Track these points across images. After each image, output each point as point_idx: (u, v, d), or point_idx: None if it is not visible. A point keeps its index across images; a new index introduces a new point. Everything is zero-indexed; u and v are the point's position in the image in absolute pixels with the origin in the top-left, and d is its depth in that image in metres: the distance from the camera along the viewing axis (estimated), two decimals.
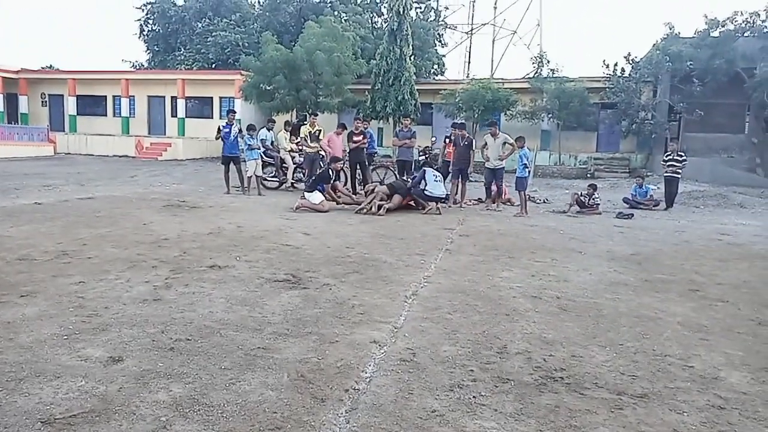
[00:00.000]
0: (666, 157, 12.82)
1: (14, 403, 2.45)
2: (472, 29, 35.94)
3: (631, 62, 21.40)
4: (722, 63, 19.19)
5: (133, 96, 27.29)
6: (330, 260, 5.61)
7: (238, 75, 24.32)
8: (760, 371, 3.16)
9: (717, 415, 2.61)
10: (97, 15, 73.63)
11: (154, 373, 2.81)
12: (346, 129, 12.23)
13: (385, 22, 27.11)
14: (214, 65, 28.81)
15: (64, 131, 26.72)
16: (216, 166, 15.90)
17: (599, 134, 23.79)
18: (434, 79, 29.35)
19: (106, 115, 28.26)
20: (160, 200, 9.98)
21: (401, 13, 21.14)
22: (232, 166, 11.85)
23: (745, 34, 19.87)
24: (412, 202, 10.08)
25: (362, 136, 11.85)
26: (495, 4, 37.45)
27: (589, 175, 20.18)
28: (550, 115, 22.09)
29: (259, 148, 12.04)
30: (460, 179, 11.31)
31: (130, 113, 27.29)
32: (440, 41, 32.61)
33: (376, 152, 14.68)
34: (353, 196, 10.76)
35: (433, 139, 20.10)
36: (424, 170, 10.14)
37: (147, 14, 32.59)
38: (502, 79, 24.63)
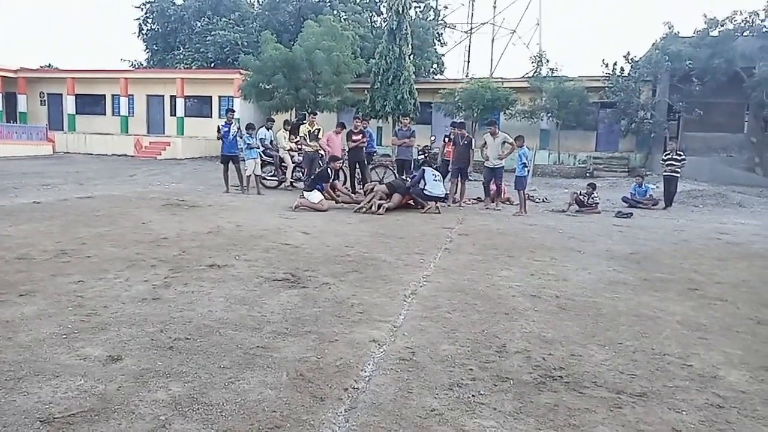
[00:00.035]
0: (665, 156, 12.83)
1: (13, 402, 2.45)
2: (471, 28, 35.96)
3: (630, 61, 21.41)
4: (721, 62, 19.21)
5: (132, 95, 27.27)
6: (329, 259, 5.61)
7: (237, 74, 24.31)
8: (759, 370, 3.17)
9: (716, 414, 2.62)
10: (96, 14, 73.62)
11: (153, 372, 2.81)
12: (346, 128, 12.23)
13: (384, 21, 27.10)
14: (213, 64, 28.79)
15: (62, 130, 26.69)
16: (215, 165, 15.90)
17: (598, 133, 23.80)
18: (433, 78, 29.35)
19: (105, 114, 28.24)
20: (159, 199, 9.97)
21: (400, 12, 21.13)
22: (231, 165, 11.84)
23: (744, 34, 19.88)
24: (411, 201, 10.08)
25: (361, 135, 11.85)
26: (494, 3, 37.53)
27: (588, 175, 20.19)
28: (549, 115, 22.10)
29: (258, 147, 12.04)
30: (459, 178, 11.31)
31: (129, 112, 27.26)
32: (439, 40, 32.62)
33: (375, 151, 14.68)
34: (352, 195, 10.76)
35: (433, 138, 20.10)
36: (423, 169, 10.14)
37: (146, 13, 32.56)
38: (501, 78, 24.63)
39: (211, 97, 26.65)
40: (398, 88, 21.19)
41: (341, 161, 11.55)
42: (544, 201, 12.89)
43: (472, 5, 36.59)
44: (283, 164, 13.24)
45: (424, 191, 9.81)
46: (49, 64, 34.69)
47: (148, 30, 32.97)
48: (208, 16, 30.44)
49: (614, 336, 3.66)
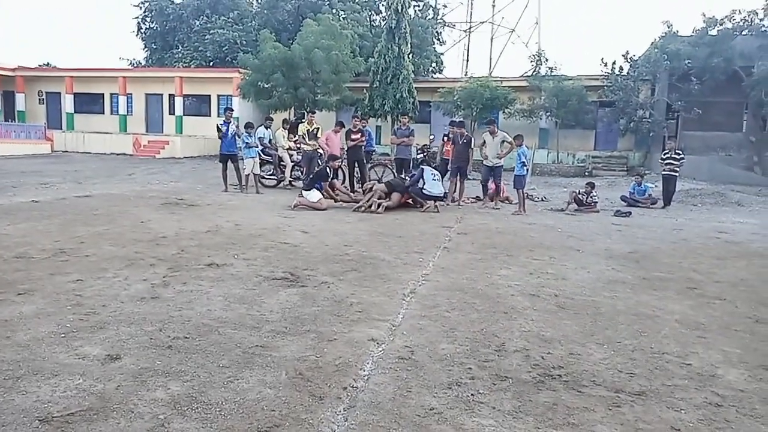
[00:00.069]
0: (664, 155, 12.84)
1: (12, 402, 2.45)
2: (470, 27, 35.95)
3: (629, 60, 21.41)
4: (720, 61, 19.21)
5: (131, 94, 27.22)
6: (328, 258, 5.61)
7: (236, 73, 24.27)
8: (758, 369, 3.17)
9: (714, 413, 2.62)
10: (94, 13, 73.50)
11: (152, 372, 2.81)
12: (344, 127, 12.22)
13: (383, 20, 27.07)
14: (211, 63, 28.76)
15: (61, 129, 26.63)
16: (214, 164, 15.89)
17: (597, 132, 23.81)
18: (432, 77, 29.33)
19: (103, 113, 28.18)
20: (158, 198, 9.96)
21: (399, 11, 21.10)
22: (230, 164, 11.83)
23: (743, 33, 19.89)
24: (410, 200, 10.08)
25: (360, 134, 11.84)
26: (493, 2, 37.53)
27: (587, 174, 20.19)
28: (548, 114, 22.10)
29: (257, 146, 12.02)
30: (458, 177, 11.31)
31: (127, 111, 27.21)
32: (438, 39, 32.58)
33: (374, 150, 14.67)
34: (351, 194, 10.76)
35: (432, 137, 20.09)
36: (422, 169, 10.14)
37: (144, 12, 32.49)
38: (500, 77, 24.62)
39: (209, 96, 26.61)
40: (397, 87, 21.17)
41: (340, 160, 11.55)
42: (543, 200, 12.89)
43: (471, 4, 36.68)
44: (281, 163, 13.23)
45: (423, 190, 9.81)
46: (48, 63, 34.63)
47: (146, 29, 32.90)
48: (207, 14, 30.39)
49: (613, 335, 3.66)
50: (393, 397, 2.66)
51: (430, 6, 32.07)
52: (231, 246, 5.99)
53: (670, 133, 20.13)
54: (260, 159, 12.28)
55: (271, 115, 15.75)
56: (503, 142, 10.82)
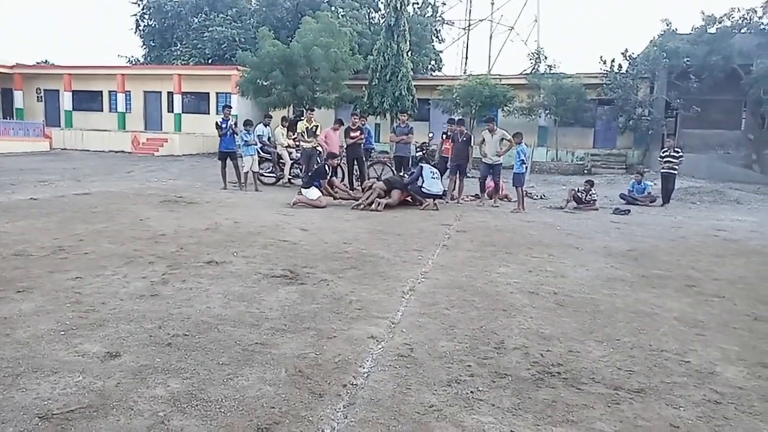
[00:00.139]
0: (663, 153, 12.85)
1: (11, 399, 2.45)
2: (469, 25, 35.90)
3: (628, 58, 21.40)
4: (719, 59, 19.22)
5: (129, 91, 27.17)
6: (327, 256, 5.61)
7: (234, 70, 24.22)
8: (756, 366, 3.18)
9: (713, 410, 2.63)
10: (93, 10, 73.29)
11: (152, 369, 2.81)
12: (343, 125, 12.21)
13: (382, 18, 27.01)
14: (210, 61, 28.70)
15: (59, 127, 26.59)
16: (213, 162, 15.88)
17: (596, 130, 23.81)
18: (431, 74, 29.30)
19: (102, 111, 28.12)
20: (157, 196, 9.95)
21: (398, 8, 21.07)
22: (229, 161, 11.83)
23: (742, 31, 19.88)
24: (409, 198, 10.08)
25: (359, 131, 11.83)
26: None
27: (586, 171, 20.20)
28: (547, 111, 22.10)
29: (256, 144, 12.01)
30: (458, 175, 11.31)
31: (126, 109, 27.17)
32: (437, 37, 32.54)
33: (373, 148, 14.66)
34: (350, 191, 10.75)
35: (431, 134, 20.08)
36: (421, 167, 10.14)
37: (143, 9, 32.41)
38: (499, 75, 24.61)
39: (208, 93, 26.56)
40: (396, 85, 21.14)
41: (339, 158, 11.54)
42: (542, 198, 12.90)
43: (470, 2, 36.67)
44: (281, 161, 13.22)
45: (422, 188, 9.81)
46: (46, 60, 34.57)
47: (145, 26, 32.83)
48: (206, 12, 30.32)
49: (612, 332, 3.67)
50: (392, 394, 2.66)
51: (429, 3, 32.01)
52: (230, 243, 5.99)
53: (669, 131, 20.14)
54: (259, 157, 12.27)
55: (270, 113, 15.71)
56: (502, 139, 10.81)
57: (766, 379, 3.01)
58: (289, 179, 13.10)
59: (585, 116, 22.24)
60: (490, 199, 11.35)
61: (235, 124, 11.97)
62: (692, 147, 19.08)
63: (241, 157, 11.85)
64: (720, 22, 20.04)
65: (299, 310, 3.84)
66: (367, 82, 21.94)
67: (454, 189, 11.34)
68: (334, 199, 10.08)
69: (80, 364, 2.84)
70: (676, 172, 12.55)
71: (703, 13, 20.33)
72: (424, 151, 16.25)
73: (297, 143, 12.80)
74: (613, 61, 21.43)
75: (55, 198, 9.24)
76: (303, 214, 8.49)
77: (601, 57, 21.66)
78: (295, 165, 13.15)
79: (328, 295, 4.23)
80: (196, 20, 30.40)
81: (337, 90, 21.65)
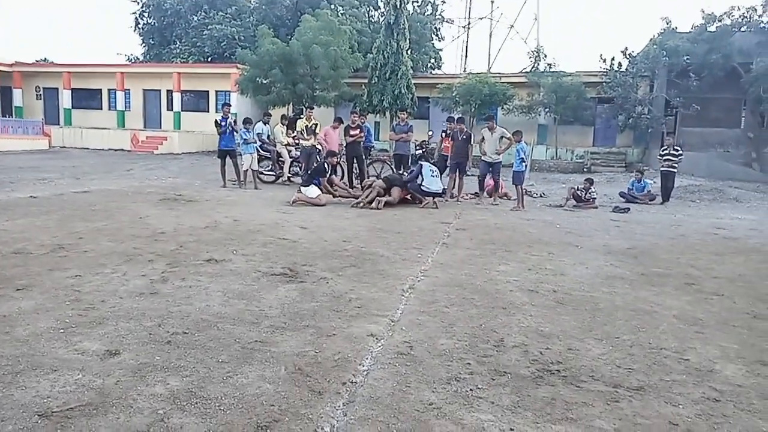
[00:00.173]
0: (662, 151, 12.85)
1: (11, 397, 2.45)
2: (469, 23, 35.82)
3: (628, 57, 21.38)
4: (719, 58, 19.21)
5: (129, 89, 27.15)
6: (327, 254, 5.61)
7: (234, 68, 24.20)
8: (755, 364, 3.19)
9: (712, 408, 2.63)
10: (92, 8, 73.15)
11: (151, 367, 2.81)
12: (343, 123, 12.20)
13: (381, 16, 27.03)
14: (209, 59, 28.67)
15: (59, 125, 26.56)
16: (212, 160, 15.87)
17: (596, 129, 23.80)
18: (431, 73, 29.28)
19: (101, 109, 28.10)
20: (157, 194, 9.95)
21: (398, 6, 21.04)
22: (228, 159, 11.82)
23: (742, 29, 19.87)
24: (408, 197, 10.08)
25: (359, 130, 11.81)
26: None
27: (585, 170, 20.21)
28: (547, 110, 22.09)
29: (255, 142, 12.00)
30: (457, 173, 11.31)
31: (125, 107, 27.14)
32: (437, 35, 32.49)
33: (372, 146, 14.64)
34: (350, 190, 10.75)
35: (430, 133, 20.07)
36: (421, 165, 10.13)
37: (142, 7, 32.37)
38: (499, 73, 24.57)
39: (207, 91, 26.54)
40: (396, 83, 21.13)
41: (338, 156, 11.53)
42: (541, 196, 12.90)
43: (470, 0, 36.50)
44: (280, 159, 13.21)
45: (422, 187, 9.80)
46: (45, 59, 34.50)
47: (144, 24, 32.79)
48: (205, 10, 30.28)
49: (611, 330, 3.67)
50: (392, 392, 2.66)
51: (429, 2, 31.96)
52: (230, 242, 5.98)
53: (669, 130, 20.13)
54: (259, 155, 12.26)
55: (269, 111, 15.71)
56: (502, 138, 10.81)
57: (765, 377, 3.01)
58: (288, 177, 13.10)
59: (585, 114, 22.23)
60: (490, 197, 11.35)
61: (235, 122, 11.96)
62: (692, 145, 19.08)
63: (241, 155, 11.85)
64: (720, 21, 20.04)
65: (299, 308, 3.84)
66: (366, 81, 21.92)
67: (453, 187, 11.34)
68: (334, 197, 10.08)
69: (80, 362, 2.84)
70: (675, 170, 12.55)
71: (703, 12, 20.36)
72: (423, 150, 16.24)
73: (296, 141, 12.79)
74: (612, 59, 21.42)
75: (55, 196, 9.23)
76: (302, 212, 8.49)
77: (600, 55, 21.74)
78: (295, 163, 13.14)
79: (328, 293, 4.23)
80: (195, 18, 30.36)
81: (337, 88, 21.63)
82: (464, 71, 29.72)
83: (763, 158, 19.27)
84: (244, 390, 2.60)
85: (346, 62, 21.13)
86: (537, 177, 17.55)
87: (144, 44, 33.38)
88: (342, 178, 11.86)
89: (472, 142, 11.39)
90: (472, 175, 13.08)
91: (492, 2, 37.47)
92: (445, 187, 10.88)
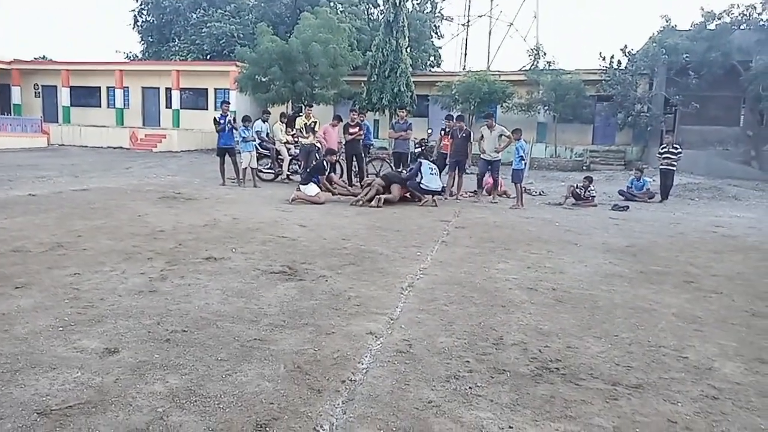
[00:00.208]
0: (661, 149, 12.85)
1: (10, 395, 2.45)
2: (468, 21, 35.81)
3: (627, 54, 21.38)
4: (718, 56, 19.20)
5: (128, 87, 27.10)
6: (326, 252, 5.61)
7: (233, 66, 24.17)
8: (754, 362, 3.19)
9: (711, 405, 2.63)
10: (91, 5, 72.96)
11: (151, 365, 2.81)
12: (342, 121, 12.19)
13: (381, 14, 26.99)
14: (208, 56, 28.63)
15: (57, 122, 26.51)
16: (211, 158, 15.86)
17: (595, 127, 23.81)
18: (430, 70, 29.28)
19: (100, 107, 28.05)
20: (155, 192, 9.94)
21: (397, 4, 21.01)
22: (227, 157, 11.81)
23: (741, 27, 19.86)
24: (408, 195, 10.07)
25: (358, 128, 11.80)
26: None
27: (585, 168, 20.21)
28: (546, 108, 22.07)
29: (254, 140, 11.99)
30: (456, 171, 11.31)
31: (124, 104, 27.10)
32: (436, 33, 32.48)
33: (372, 144, 14.63)
34: (349, 188, 10.75)
35: (429, 131, 20.05)
36: (420, 163, 10.13)
37: (141, 5, 32.31)
38: (498, 71, 24.56)
39: (207, 89, 26.51)
40: (395, 81, 21.10)
41: (337, 154, 11.52)
42: (540, 194, 12.90)
43: None
44: (279, 157, 13.21)
45: (421, 185, 9.80)
46: (44, 56, 34.43)
47: (143, 21, 32.74)
48: (204, 7, 30.23)
49: (610, 328, 3.67)
50: (391, 390, 2.66)
51: None
52: (229, 240, 5.98)
53: (668, 128, 20.13)
54: (258, 153, 12.25)
55: (268, 109, 15.70)
56: (501, 136, 10.81)
57: (764, 375, 3.01)
58: (287, 175, 13.09)
59: (584, 112, 22.23)
60: (489, 195, 11.35)
61: (234, 119, 11.94)
62: (691, 143, 19.08)
63: (240, 153, 11.84)
64: (719, 19, 20.02)
65: (298, 306, 3.84)
66: (365, 78, 21.90)
67: (453, 185, 11.34)
68: (333, 195, 10.07)
69: (79, 360, 2.84)
70: (674, 168, 12.55)
71: (703, 10, 20.30)
72: (423, 147, 16.22)
73: (295, 139, 12.78)
74: (612, 57, 21.41)
75: (53, 194, 9.22)
76: (301, 211, 8.48)
77: (600, 53, 21.71)
78: (294, 161, 13.13)
79: (327, 291, 4.23)
80: (194, 16, 30.31)
81: (336, 86, 21.61)
82: (463, 69, 29.72)
83: (762, 156, 19.28)
84: (243, 388, 2.60)
85: (346, 60, 21.11)
86: (536, 175, 17.55)
87: (143, 42, 33.33)
88: (341, 176, 11.86)
89: (471, 140, 11.38)
90: (471, 173, 13.08)
91: (491, 0, 37.45)
92: (445, 185, 10.88)
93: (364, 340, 3.28)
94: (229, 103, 12.75)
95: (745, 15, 19.74)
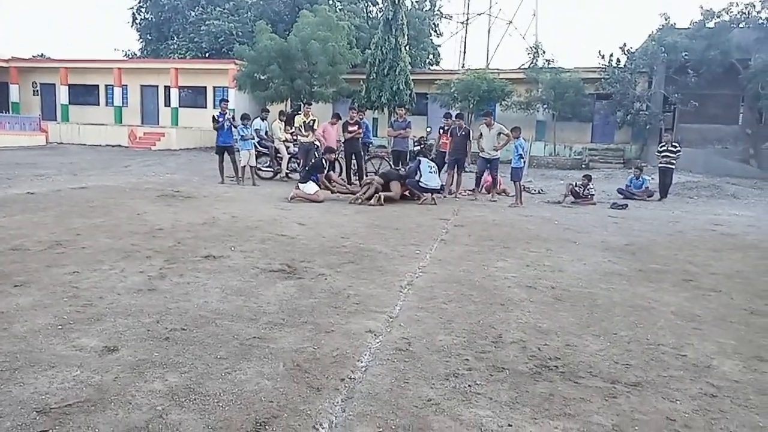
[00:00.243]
0: (660, 147, 12.87)
1: (9, 393, 2.45)
2: (467, 19, 35.78)
3: (626, 53, 21.39)
4: (717, 54, 19.22)
5: (126, 85, 27.07)
6: (325, 250, 5.61)
7: (232, 64, 24.15)
8: (752, 360, 3.20)
9: (709, 403, 2.64)
10: (89, 3, 72.84)
11: (150, 363, 2.81)
12: (341, 119, 12.18)
13: (380, 12, 26.97)
14: (207, 54, 28.60)
15: (56, 120, 26.48)
16: (210, 156, 15.83)
17: (594, 125, 23.82)
18: (429, 69, 29.24)
19: (98, 105, 28.02)
20: (154, 190, 9.93)
21: (396, 2, 21.00)
22: (226, 156, 11.80)
23: (740, 25, 19.89)
24: (407, 193, 10.08)
25: (357, 126, 11.80)
26: None
27: (583, 166, 20.23)
28: (545, 106, 22.09)
29: (253, 138, 11.98)
30: (456, 170, 11.31)
31: (122, 103, 27.07)
32: (436, 31, 32.47)
33: (371, 142, 14.65)
34: (348, 186, 10.74)
35: (429, 129, 20.07)
36: (419, 161, 10.13)
37: (140, 2, 32.28)
38: (497, 69, 24.57)
39: (205, 87, 26.49)
40: (394, 79, 21.09)
41: (336, 152, 11.52)
42: (539, 192, 12.91)
43: None
44: (278, 155, 13.20)
45: (420, 183, 9.80)
46: (42, 54, 34.39)
47: (141, 19, 32.70)
48: (203, 5, 30.19)
49: (609, 326, 3.68)
50: (390, 388, 2.66)
51: None
52: (228, 238, 5.98)
53: (667, 126, 20.14)
54: (257, 151, 12.24)
55: (267, 107, 15.69)
56: (500, 134, 10.81)
57: (762, 373, 3.02)
58: (286, 173, 13.09)
59: (583, 111, 22.25)
60: (488, 193, 11.35)
61: (233, 117, 11.93)
62: (690, 141, 19.11)
63: (239, 151, 11.83)
64: (718, 17, 20.04)
65: (297, 305, 3.84)
66: (365, 77, 21.88)
67: (452, 183, 11.34)
68: (332, 193, 10.07)
69: (78, 358, 2.84)
70: (673, 166, 12.57)
71: (702, 8, 20.33)
72: (422, 146, 16.20)
73: (294, 137, 12.77)
74: (611, 55, 21.44)
75: (52, 192, 9.21)
76: (300, 209, 8.48)
77: (599, 51, 21.69)
78: (293, 159, 13.13)
79: (326, 290, 4.23)
80: (193, 14, 30.29)
81: (335, 84, 21.60)
82: (462, 67, 29.70)
83: (761, 154, 19.30)
84: (242, 386, 2.60)
85: (344, 58, 21.09)
86: (535, 173, 17.56)
87: (141, 40, 33.29)
88: (340, 174, 11.86)
89: (470, 139, 11.38)
90: (470, 171, 13.08)
91: None
92: (444, 183, 10.88)
93: (364, 339, 3.28)
94: (227, 101, 12.74)
95: (744, 13, 19.76)
